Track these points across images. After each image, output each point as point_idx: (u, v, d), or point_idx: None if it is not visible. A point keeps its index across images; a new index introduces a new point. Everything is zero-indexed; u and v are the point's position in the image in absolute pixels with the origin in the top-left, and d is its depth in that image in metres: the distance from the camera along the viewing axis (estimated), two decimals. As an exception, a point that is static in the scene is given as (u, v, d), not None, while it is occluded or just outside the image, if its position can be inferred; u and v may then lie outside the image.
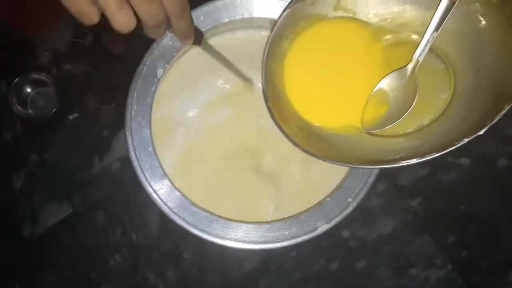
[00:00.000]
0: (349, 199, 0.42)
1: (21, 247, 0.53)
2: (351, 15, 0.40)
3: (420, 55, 0.37)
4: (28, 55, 0.56)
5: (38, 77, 0.53)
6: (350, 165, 0.41)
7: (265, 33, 0.47)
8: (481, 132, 0.32)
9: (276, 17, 0.39)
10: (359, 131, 0.40)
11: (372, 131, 0.39)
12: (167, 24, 0.32)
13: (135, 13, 0.28)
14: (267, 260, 0.52)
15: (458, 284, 0.52)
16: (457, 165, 0.54)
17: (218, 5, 0.45)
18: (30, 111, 0.54)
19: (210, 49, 0.42)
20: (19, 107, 0.52)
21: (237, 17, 0.45)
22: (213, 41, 0.47)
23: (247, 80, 0.47)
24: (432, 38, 0.36)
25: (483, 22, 0.36)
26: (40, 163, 0.54)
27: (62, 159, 0.55)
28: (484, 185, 0.53)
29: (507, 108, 0.31)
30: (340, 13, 0.40)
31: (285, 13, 0.39)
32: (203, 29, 0.45)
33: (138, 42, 0.46)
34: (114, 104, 0.55)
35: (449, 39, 0.38)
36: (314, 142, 0.39)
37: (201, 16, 0.45)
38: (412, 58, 0.38)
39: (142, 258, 0.53)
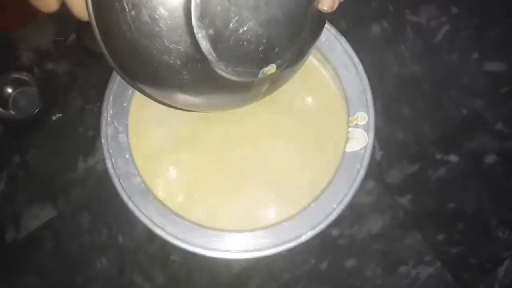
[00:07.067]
0: (334, 205, 0.41)
1: (4, 252, 0.52)
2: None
3: None
4: (8, 54, 0.54)
5: (20, 76, 0.52)
6: None
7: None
8: None
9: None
10: None
11: None
12: None
13: None
14: (256, 261, 0.52)
15: (447, 281, 0.52)
16: (446, 162, 0.54)
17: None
18: (11, 112, 0.52)
19: None
20: (0, 108, 0.51)
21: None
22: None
23: None
24: None
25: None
26: (22, 165, 0.53)
27: (45, 161, 0.53)
28: (473, 181, 0.53)
29: None
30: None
31: None
32: None
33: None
34: (98, 104, 0.54)
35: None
36: None
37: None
38: None
39: (129, 261, 0.52)
